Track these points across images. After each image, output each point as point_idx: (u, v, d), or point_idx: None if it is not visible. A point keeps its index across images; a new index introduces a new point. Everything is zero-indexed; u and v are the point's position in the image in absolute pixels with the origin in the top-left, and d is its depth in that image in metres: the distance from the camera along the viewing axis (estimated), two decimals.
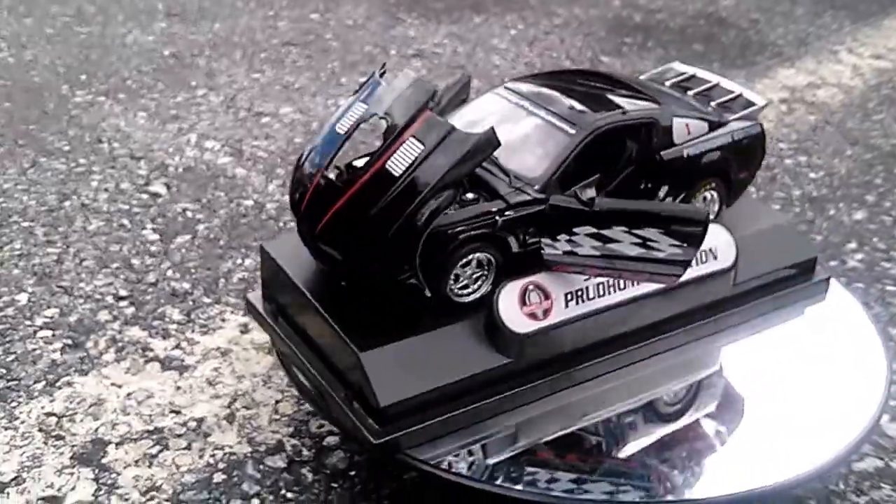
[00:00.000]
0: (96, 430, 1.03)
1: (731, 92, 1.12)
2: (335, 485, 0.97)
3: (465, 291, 0.89)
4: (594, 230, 0.86)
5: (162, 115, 1.89)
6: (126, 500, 0.94)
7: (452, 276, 0.87)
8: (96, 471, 0.98)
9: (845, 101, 2.22)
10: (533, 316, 0.87)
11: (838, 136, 2.00)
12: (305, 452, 1.01)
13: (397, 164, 0.83)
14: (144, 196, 1.56)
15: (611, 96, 1.01)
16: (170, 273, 1.34)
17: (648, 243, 0.86)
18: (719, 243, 1.00)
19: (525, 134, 0.95)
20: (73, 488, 0.95)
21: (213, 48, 2.30)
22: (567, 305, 0.89)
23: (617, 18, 2.78)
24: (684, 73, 1.16)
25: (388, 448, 0.82)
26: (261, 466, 0.99)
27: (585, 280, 0.91)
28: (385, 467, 0.96)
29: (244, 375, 1.13)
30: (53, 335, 1.19)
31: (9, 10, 2.53)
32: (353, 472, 0.98)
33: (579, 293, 0.91)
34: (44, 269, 1.33)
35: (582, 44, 2.51)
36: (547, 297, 0.89)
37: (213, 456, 1.00)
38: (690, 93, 1.11)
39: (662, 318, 0.98)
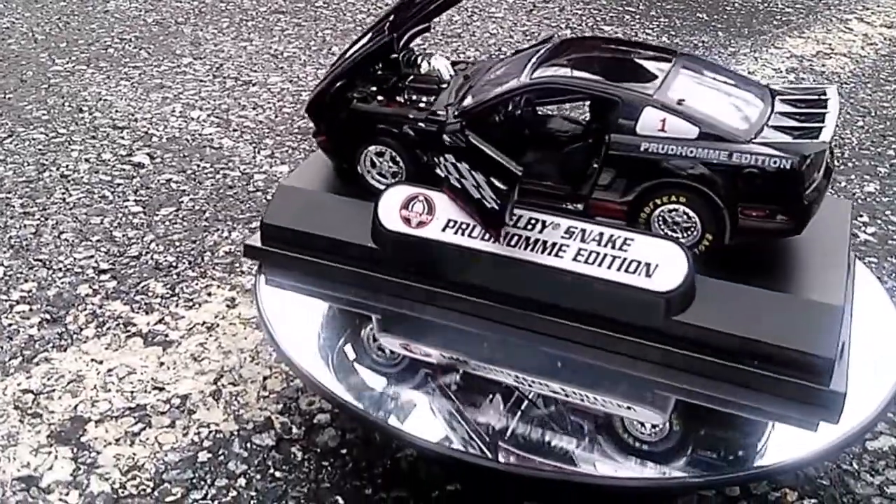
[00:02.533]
0: (75, 407, 1.01)
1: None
2: (326, 463, 0.95)
3: (378, 179, 1.00)
4: (454, 160, 0.90)
5: (145, 84, 1.86)
6: (106, 479, 0.92)
7: (369, 161, 0.99)
8: (75, 450, 0.95)
9: (856, 71, 2.19)
10: (406, 221, 0.94)
11: (849, 107, 1.98)
12: (295, 430, 0.99)
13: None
14: (127, 167, 1.54)
15: (645, 68, 0.95)
16: (153, 246, 1.32)
17: (480, 188, 0.88)
18: (660, 261, 0.86)
19: (505, 73, 0.94)
20: (50, 468, 0.93)
21: (198, 15, 2.26)
22: (444, 230, 0.92)
23: None
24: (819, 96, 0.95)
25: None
26: (248, 445, 0.97)
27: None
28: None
29: (231, 351, 1.11)
30: (31, 310, 1.17)
31: None
32: (344, 451, 0.96)
33: (463, 226, 0.91)
34: (21, 242, 1.30)
35: (582, 11, 2.47)
36: (430, 212, 0.92)
37: (197, 434, 0.98)
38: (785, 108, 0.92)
39: (542, 298, 0.90)
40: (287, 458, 0.95)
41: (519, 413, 0.87)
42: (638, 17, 2.47)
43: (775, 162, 0.84)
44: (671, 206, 0.89)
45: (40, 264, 1.26)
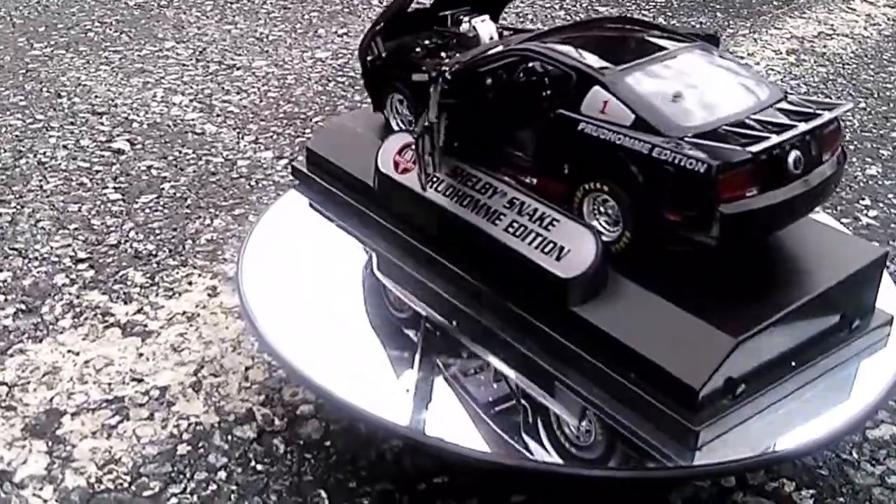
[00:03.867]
0: (50, 399, 1.00)
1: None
2: (309, 455, 0.94)
3: (399, 125, 1.06)
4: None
5: (126, 68, 1.85)
6: (82, 473, 0.91)
7: (394, 107, 1.06)
8: (50, 443, 0.94)
9: (858, 52, 2.19)
10: (396, 166, 1.00)
11: (851, 88, 1.97)
12: (277, 422, 0.98)
13: None
14: (106, 153, 1.52)
15: (642, 51, 0.93)
16: (133, 234, 1.31)
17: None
18: (573, 247, 0.84)
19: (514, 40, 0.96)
20: (24, 462, 0.92)
21: None
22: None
23: None
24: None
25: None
26: (229, 437, 0.96)
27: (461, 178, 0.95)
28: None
29: (212, 341, 1.10)
30: (5, 300, 1.16)
31: None
32: (327, 443, 0.95)
33: (435, 178, 0.96)
34: None
35: None
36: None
37: (177, 426, 0.97)
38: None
39: (476, 260, 0.92)
40: (269, 451, 0.94)
41: (509, 404, 0.86)
42: None
43: (691, 164, 0.79)
44: (597, 195, 0.86)
45: (16, 253, 1.25)
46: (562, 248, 0.85)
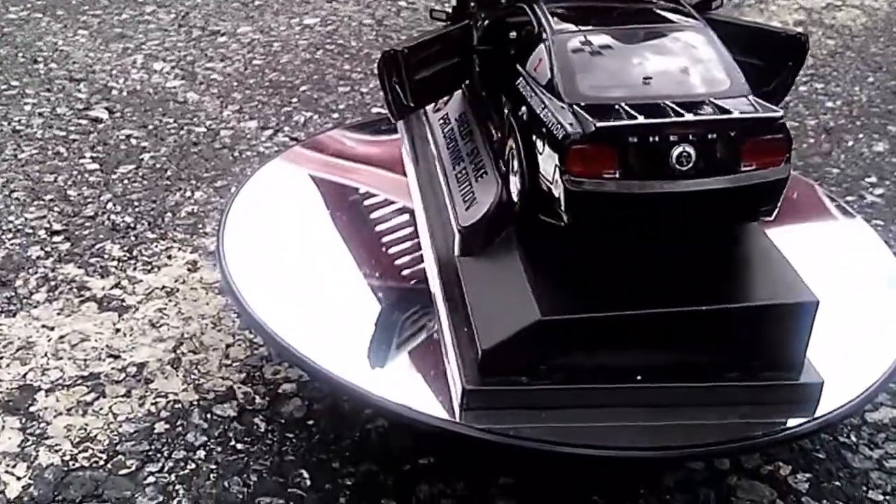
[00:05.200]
0: (24, 375, 1.01)
1: None
2: (290, 435, 0.95)
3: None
4: None
5: (105, 33, 1.85)
6: (56, 451, 0.92)
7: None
8: (23, 420, 0.95)
9: (868, 24, 2.20)
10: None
11: (859, 61, 1.98)
12: (259, 400, 0.99)
13: None
14: (84, 122, 1.53)
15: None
16: (110, 206, 1.31)
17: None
18: (480, 199, 0.90)
19: None
20: None
21: None
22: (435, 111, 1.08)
23: None
24: None
25: None
26: (208, 415, 0.97)
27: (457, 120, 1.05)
28: None
29: (192, 317, 1.10)
30: None
31: None
32: (310, 422, 0.96)
33: (444, 117, 1.06)
34: None
35: None
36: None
37: (154, 404, 0.98)
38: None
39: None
40: (249, 430, 0.95)
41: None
42: None
43: (555, 130, 0.77)
44: (511, 151, 0.86)
45: None
46: (473, 200, 0.90)
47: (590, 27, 0.87)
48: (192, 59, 1.77)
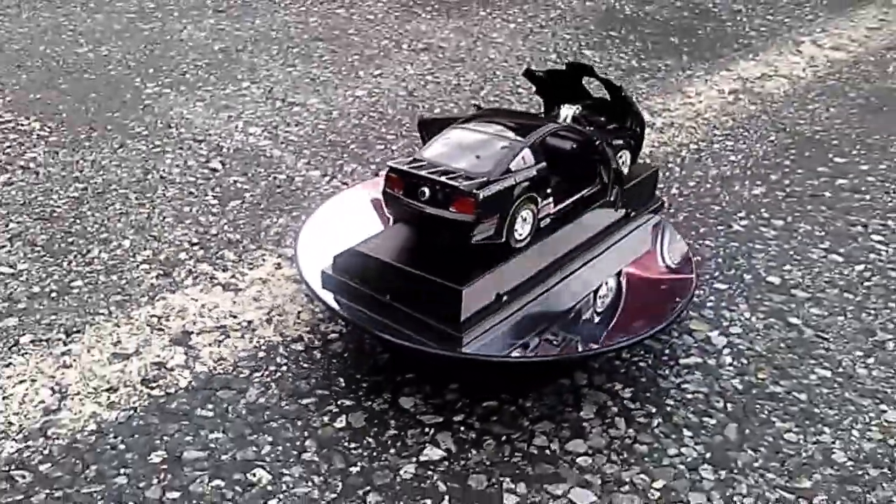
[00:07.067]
0: (183, 326, 1.77)
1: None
2: (335, 360, 1.69)
3: None
4: None
5: (215, 104, 2.63)
6: (204, 365, 1.68)
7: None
8: (186, 349, 1.71)
9: (789, 91, 2.85)
10: None
11: (769, 124, 2.65)
12: (316, 342, 1.74)
13: None
14: (205, 171, 2.30)
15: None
16: (226, 227, 2.08)
17: None
18: None
19: None
20: (172, 357, 1.69)
21: (254, 44, 3.03)
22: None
23: (609, 10, 3.44)
24: None
25: None
26: (287, 349, 1.72)
27: None
28: None
29: (277, 296, 1.86)
30: (150, 267, 1.94)
31: (81, 5, 3.29)
32: (346, 355, 1.71)
33: None
34: (139, 223, 2.08)
35: (570, 37, 3.19)
36: None
37: (257, 343, 1.74)
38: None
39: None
40: (310, 357, 1.70)
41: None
42: (618, 41, 3.18)
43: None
44: None
45: (153, 238, 2.03)
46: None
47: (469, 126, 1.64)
48: (276, 124, 2.54)
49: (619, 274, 1.75)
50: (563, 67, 1.85)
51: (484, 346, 1.51)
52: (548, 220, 1.58)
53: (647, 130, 2.39)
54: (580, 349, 1.59)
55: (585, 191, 1.63)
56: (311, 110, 2.60)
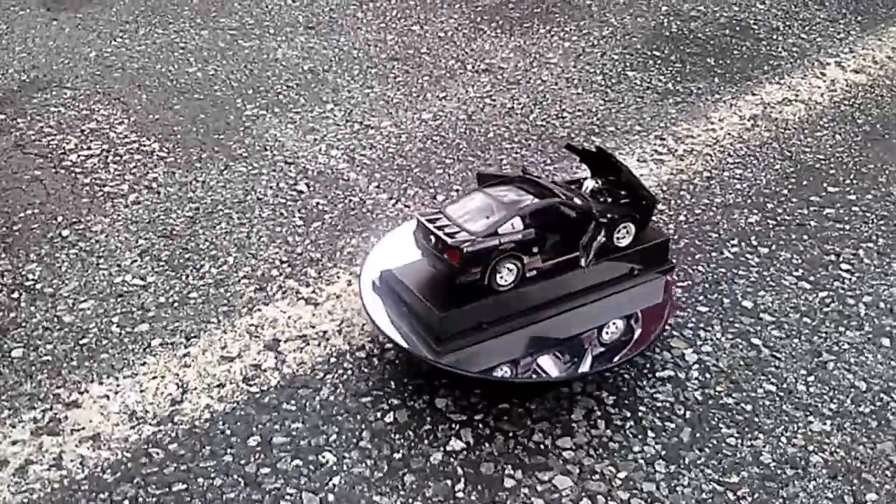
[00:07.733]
0: (274, 334, 2.32)
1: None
2: (388, 367, 2.22)
3: None
4: None
5: (304, 127, 3.15)
6: (289, 367, 2.22)
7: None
8: (276, 354, 2.26)
9: (803, 117, 3.08)
10: None
11: (777, 151, 2.98)
12: (375, 350, 2.27)
13: None
14: (293, 192, 2.84)
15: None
16: (309, 247, 2.61)
17: None
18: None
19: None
20: (265, 360, 2.23)
21: (338, 63, 3.53)
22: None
23: (657, 28, 3.81)
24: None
25: None
26: (353, 356, 2.25)
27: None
28: None
29: (348, 309, 2.39)
30: (249, 281, 2.49)
31: (190, 21, 3.84)
32: (397, 362, 2.24)
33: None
34: (241, 242, 2.63)
35: (618, 57, 3.59)
36: None
37: (330, 350, 2.27)
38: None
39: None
40: (370, 362, 2.23)
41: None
42: (659, 62, 3.56)
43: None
44: None
45: (252, 256, 2.58)
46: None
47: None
48: (353, 147, 3.04)
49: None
50: (594, 149, 2.27)
51: (458, 360, 2.05)
52: (534, 272, 2.08)
53: (669, 157, 2.83)
54: (535, 377, 2.10)
55: (572, 255, 2.12)
56: (383, 133, 3.09)
